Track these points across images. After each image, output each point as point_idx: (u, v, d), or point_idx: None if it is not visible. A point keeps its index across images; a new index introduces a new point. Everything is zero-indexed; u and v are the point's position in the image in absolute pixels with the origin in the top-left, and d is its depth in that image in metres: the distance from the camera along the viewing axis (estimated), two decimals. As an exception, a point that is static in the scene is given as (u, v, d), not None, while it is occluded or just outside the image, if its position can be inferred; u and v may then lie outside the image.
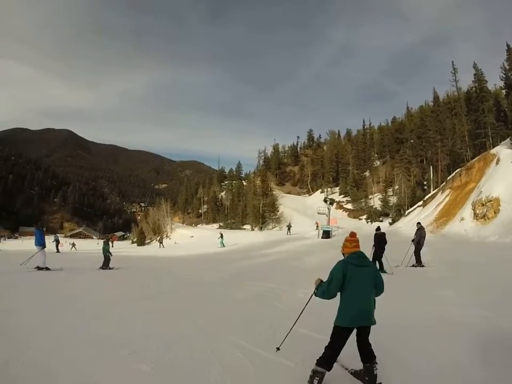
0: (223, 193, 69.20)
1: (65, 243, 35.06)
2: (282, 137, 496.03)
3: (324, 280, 2.71)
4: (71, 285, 7.24)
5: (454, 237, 18.01)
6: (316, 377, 2.52)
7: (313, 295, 2.83)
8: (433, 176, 38.18)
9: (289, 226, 32.79)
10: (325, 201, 34.57)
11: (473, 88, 37.27)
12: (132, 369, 2.93)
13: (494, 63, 41.24)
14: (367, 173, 55.32)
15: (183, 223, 62.91)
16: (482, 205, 18.41)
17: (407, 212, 34.94)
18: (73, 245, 34.61)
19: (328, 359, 2.54)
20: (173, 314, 4.86)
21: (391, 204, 42.33)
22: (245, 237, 28.71)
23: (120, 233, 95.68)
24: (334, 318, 2.60)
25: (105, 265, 10.53)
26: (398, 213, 38.49)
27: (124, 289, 7.05)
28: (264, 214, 47.20)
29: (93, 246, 40.03)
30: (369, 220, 42.07)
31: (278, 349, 3.08)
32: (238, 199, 56.50)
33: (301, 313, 3.13)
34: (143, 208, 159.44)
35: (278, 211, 47.54)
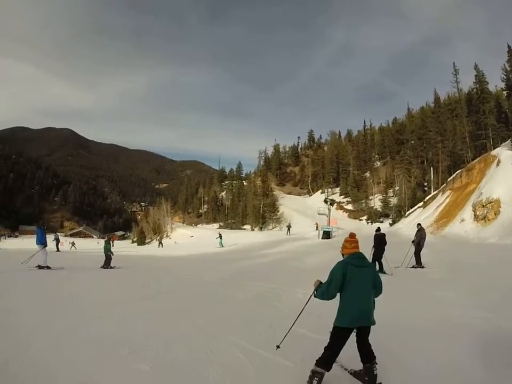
0: (223, 193, 69.28)
1: (65, 242, 35.09)
2: (282, 137, 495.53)
3: (323, 282, 2.71)
4: (72, 284, 7.24)
5: (454, 238, 17.98)
6: (315, 378, 2.52)
7: (313, 297, 2.83)
8: (433, 177, 38.19)
9: (289, 227, 32.79)
10: (325, 201, 34.71)
11: (474, 89, 37.30)
12: (132, 368, 2.93)
13: (495, 64, 41.46)
14: (367, 174, 55.35)
15: (183, 223, 62.95)
16: (483, 206, 18.39)
17: (407, 213, 34.93)
18: (73, 244, 34.64)
19: (327, 359, 2.54)
20: (173, 314, 4.87)
21: (391, 205, 42.36)
22: (245, 237, 28.72)
23: (120, 233, 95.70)
24: (333, 319, 2.60)
25: (107, 264, 10.54)
26: (398, 214, 38.51)
27: (124, 288, 7.05)
28: (264, 214, 47.24)
29: (92, 245, 40.07)
30: (369, 221, 42.11)
31: (278, 347, 3.09)
32: (238, 199, 56.56)
33: (300, 314, 3.13)
34: (143, 208, 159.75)
35: (278, 211, 47.58)
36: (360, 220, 44.18)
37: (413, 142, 49.14)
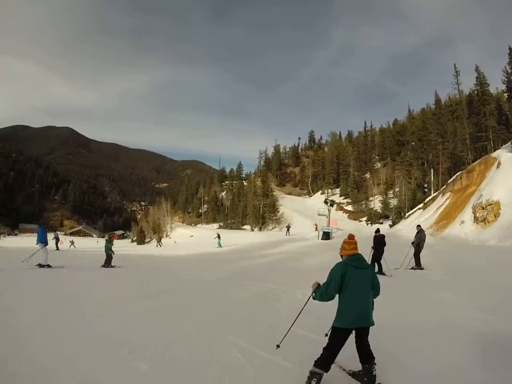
0: (223, 193, 69.27)
1: (65, 241, 35.13)
2: (282, 137, 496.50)
3: (321, 284, 2.70)
4: (72, 283, 7.24)
5: (454, 240, 17.99)
6: (314, 379, 2.52)
7: (311, 298, 2.81)
8: (434, 178, 38.19)
9: (288, 227, 32.80)
10: (325, 202, 34.70)
11: (475, 91, 37.25)
12: (131, 368, 2.93)
13: (496, 66, 41.33)
14: (367, 175, 55.34)
15: (183, 223, 62.98)
16: (483, 208, 18.39)
17: (407, 214, 34.90)
18: (72, 242, 34.63)
19: (326, 360, 2.54)
20: (173, 313, 4.87)
21: (391, 206, 42.35)
22: (245, 237, 28.74)
23: (120, 232, 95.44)
24: (332, 320, 2.60)
25: (107, 263, 10.55)
26: (398, 215, 38.49)
27: (124, 287, 7.06)
28: (264, 215, 47.24)
29: (92, 244, 40.06)
30: (369, 222, 42.10)
31: (278, 346, 3.09)
32: (238, 199, 56.56)
33: (299, 314, 3.13)
34: (143, 207, 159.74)
35: (278, 212, 47.59)
36: (360, 221, 44.17)
37: (413, 143, 49.11)
